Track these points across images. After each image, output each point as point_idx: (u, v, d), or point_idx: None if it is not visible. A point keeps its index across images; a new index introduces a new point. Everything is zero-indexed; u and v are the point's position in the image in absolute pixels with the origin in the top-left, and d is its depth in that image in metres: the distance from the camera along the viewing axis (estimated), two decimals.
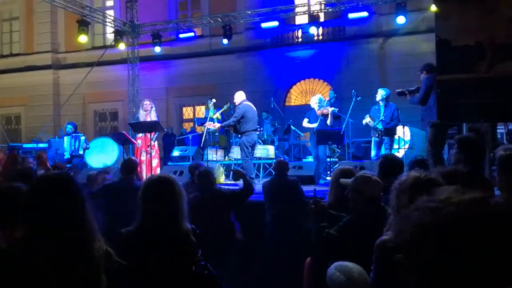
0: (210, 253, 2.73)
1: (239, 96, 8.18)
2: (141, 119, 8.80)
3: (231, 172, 5.12)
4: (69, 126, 10.56)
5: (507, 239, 0.97)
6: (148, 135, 8.49)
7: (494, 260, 0.96)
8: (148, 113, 8.84)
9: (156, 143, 9.06)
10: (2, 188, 2.46)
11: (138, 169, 6.25)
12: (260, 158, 10.25)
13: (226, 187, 6.45)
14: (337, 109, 9.22)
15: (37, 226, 1.90)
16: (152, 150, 8.71)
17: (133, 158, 5.80)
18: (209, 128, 9.30)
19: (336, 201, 3.72)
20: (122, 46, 12.77)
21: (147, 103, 8.95)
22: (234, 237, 5.09)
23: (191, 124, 15.79)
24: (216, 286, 2.48)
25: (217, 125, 8.78)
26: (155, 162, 9.00)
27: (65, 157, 10.00)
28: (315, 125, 9.00)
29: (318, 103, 9.19)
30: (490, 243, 0.97)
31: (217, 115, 10.89)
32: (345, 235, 3.06)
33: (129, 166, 5.03)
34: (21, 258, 1.89)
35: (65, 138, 10.35)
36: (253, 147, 8.17)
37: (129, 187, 4.61)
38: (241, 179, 5.05)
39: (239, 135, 8.19)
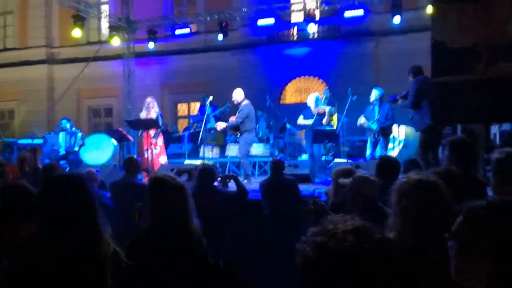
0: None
1: (239, 94, 8.22)
2: (142, 116, 8.85)
3: (221, 178, 5.13)
4: (64, 122, 10.51)
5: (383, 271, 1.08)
6: (150, 132, 8.53)
7: None
8: (149, 111, 8.89)
9: (160, 139, 9.07)
10: (14, 184, 2.50)
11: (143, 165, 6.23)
12: (255, 156, 10.29)
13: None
14: (334, 108, 9.26)
15: (46, 225, 1.94)
16: (155, 147, 8.75)
17: (135, 156, 5.80)
18: (206, 126, 9.34)
19: (342, 201, 3.77)
20: (116, 41, 12.71)
21: (148, 100, 8.99)
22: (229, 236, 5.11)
23: (186, 121, 15.80)
24: (229, 275, 2.53)
25: (223, 125, 8.69)
26: (163, 158, 9.03)
27: (60, 153, 9.97)
28: (310, 121, 9.05)
29: (315, 101, 9.23)
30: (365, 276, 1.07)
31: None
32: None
33: (130, 164, 5.03)
34: (29, 256, 1.93)
35: (61, 134, 10.30)
36: (251, 145, 8.26)
37: (131, 185, 4.63)
38: (234, 183, 5.09)
39: (238, 133, 8.21)
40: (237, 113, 8.13)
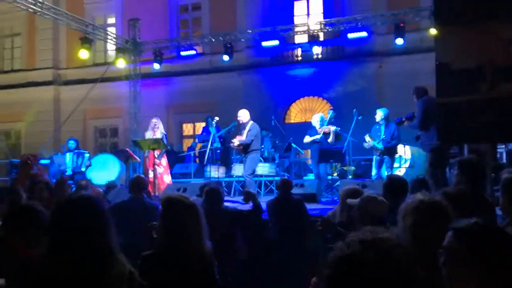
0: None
1: (246, 115, 8.34)
2: (147, 136, 8.94)
3: (243, 193, 5.22)
4: (71, 142, 10.60)
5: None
6: (153, 153, 8.60)
7: None
8: (154, 131, 8.99)
9: (164, 160, 9.16)
10: (25, 206, 2.53)
11: (149, 187, 6.27)
12: (261, 176, 10.32)
13: (231, 204, 6.52)
14: (339, 128, 9.32)
15: (58, 247, 1.95)
16: (159, 167, 8.82)
17: (142, 175, 5.84)
18: (212, 145, 9.41)
19: (348, 221, 3.80)
20: (121, 63, 12.86)
21: (154, 121, 9.10)
22: (236, 256, 5.12)
23: (191, 140, 15.88)
24: None
25: (237, 142, 8.68)
26: (167, 178, 9.10)
27: (67, 173, 10.02)
28: (317, 136, 9.08)
29: (320, 121, 9.30)
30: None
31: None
32: None
33: (138, 184, 5.05)
34: (41, 278, 1.94)
35: (67, 154, 10.38)
36: (256, 164, 8.32)
37: (138, 205, 4.66)
38: (251, 201, 5.13)
39: (244, 154, 8.26)
40: (246, 132, 8.19)
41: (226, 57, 12.31)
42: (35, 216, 2.43)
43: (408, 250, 1.18)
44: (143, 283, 2.09)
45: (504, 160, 7.89)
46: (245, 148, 8.17)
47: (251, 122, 8.29)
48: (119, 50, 13.06)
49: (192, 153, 11.86)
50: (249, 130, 8.16)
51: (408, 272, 1.13)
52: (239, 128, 8.50)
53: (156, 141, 8.60)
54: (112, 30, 15.42)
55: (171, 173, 10.70)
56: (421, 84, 7.13)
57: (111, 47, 15.75)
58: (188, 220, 2.36)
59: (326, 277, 1.16)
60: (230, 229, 4.92)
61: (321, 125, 9.29)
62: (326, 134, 9.14)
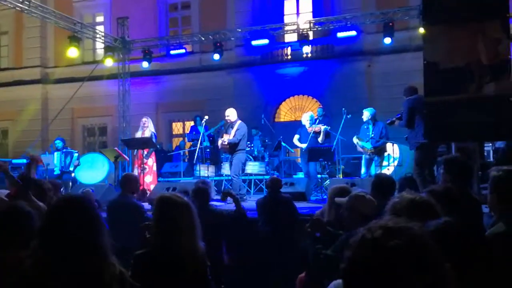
0: None
1: (234, 114, 8.31)
2: (137, 136, 8.91)
3: (222, 193, 5.21)
4: (58, 141, 10.53)
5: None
6: (141, 152, 8.56)
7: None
8: (144, 130, 8.95)
9: (151, 159, 9.12)
10: (11, 207, 2.47)
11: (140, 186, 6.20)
12: (251, 174, 10.32)
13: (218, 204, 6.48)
14: (329, 127, 9.35)
15: (51, 250, 1.93)
16: (144, 167, 8.77)
17: (132, 173, 5.79)
18: (202, 144, 9.37)
19: (335, 220, 3.81)
20: (109, 62, 12.77)
21: (144, 120, 9.07)
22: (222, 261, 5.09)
23: (181, 139, 15.82)
24: None
25: (226, 140, 8.62)
26: (148, 178, 9.05)
27: (55, 173, 9.94)
28: (304, 145, 9.13)
29: (310, 120, 9.32)
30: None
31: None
32: (342, 254, 3.12)
33: (129, 182, 5.01)
34: (32, 278, 1.92)
35: (55, 153, 10.30)
36: (244, 164, 8.29)
37: (129, 204, 4.63)
38: (232, 200, 5.11)
39: (230, 153, 8.21)
40: (234, 131, 8.14)
41: (216, 56, 12.25)
42: (20, 218, 2.39)
43: (431, 240, 1.17)
44: (134, 284, 2.07)
45: (491, 159, 7.97)
46: (233, 147, 8.13)
47: (239, 121, 8.26)
48: (108, 48, 12.95)
49: (181, 152, 11.82)
50: (237, 129, 8.12)
51: (434, 260, 1.13)
52: (226, 127, 8.45)
53: (145, 141, 8.55)
54: (100, 28, 15.31)
55: (160, 172, 10.66)
56: (410, 83, 7.17)
57: (99, 45, 15.61)
58: (181, 219, 2.34)
59: (348, 259, 1.18)
60: (216, 229, 4.89)
61: (311, 124, 9.31)
62: (316, 133, 9.17)
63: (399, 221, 1.21)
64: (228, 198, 5.31)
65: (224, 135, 8.38)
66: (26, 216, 2.39)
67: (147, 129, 9.05)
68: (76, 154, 10.23)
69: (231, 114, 8.31)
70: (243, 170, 10.25)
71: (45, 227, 2.00)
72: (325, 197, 8.08)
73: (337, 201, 3.79)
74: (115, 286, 1.97)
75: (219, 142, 8.48)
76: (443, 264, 1.15)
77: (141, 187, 8.44)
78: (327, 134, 9.28)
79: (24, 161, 11.45)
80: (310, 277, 3.92)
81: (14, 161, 11.76)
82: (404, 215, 2.24)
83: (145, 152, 8.85)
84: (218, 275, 4.45)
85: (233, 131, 8.12)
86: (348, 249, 1.20)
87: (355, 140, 8.46)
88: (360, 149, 8.50)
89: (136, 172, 8.57)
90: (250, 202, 8.00)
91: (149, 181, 9.05)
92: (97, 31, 13.32)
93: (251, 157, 10.85)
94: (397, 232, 1.15)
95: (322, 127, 9.14)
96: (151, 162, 9.19)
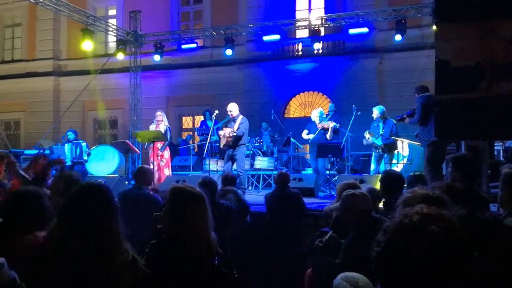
0: None
1: (236, 108, 8.31)
2: (151, 129, 9.01)
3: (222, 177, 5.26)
4: (71, 133, 10.67)
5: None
6: (156, 145, 8.64)
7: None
8: (158, 124, 9.03)
9: (166, 152, 9.20)
10: (25, 191, 2.54)
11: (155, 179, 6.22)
12: (259, 169, 10.36)
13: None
14: (339, 124, 9.34)
15: (66, 235, 2.00)
16: (161, 160, 8.88)
17: (146, 166, 5.83)
18: (212, 138, 9.40)
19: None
20: (121, 55, 12.88)
21: (158, 114, 9.14)
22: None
23: (190, 133, 15.91)
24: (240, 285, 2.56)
25: (228, 130, 8.60)
26: (167, 171, 9.16)
27: (67, 164, 10.07)
28: (312, 135, 9.15)
29: (319, 116, 9.33)
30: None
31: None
32: (349, 259, 3.10)
33: (142, 175, 5.07)
34: (46, 259, 1.99)
35: (66, 145, 10.46)
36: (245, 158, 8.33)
37: (143, 195, 4.69)
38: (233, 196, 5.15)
39: (233, 148, 8.14)
40: (237, 125, 8.11)
41: (229, 52, 12.27)
42: (31, 201, 2.46)
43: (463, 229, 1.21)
44: (146, 271, 2.12)
45: (501, 158, 7.93)
46: (236, 141, 8.09)
47: (241, 116, 8.26)
48: (120, 41, 13.05)
49: (191, 146, 11.88)
50: (241, 123, 8.11)
51: (466, 246, 1.16)
52: (228, 121, 8.41)
53: (155, 133, 8.63)
54: (113, 21, 15.40)
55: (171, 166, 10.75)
56: (421, 81, 7.17)
57: (111, 38, 15.75)
58: (195, 209, 2.36)
59: (384, 243, 1.20)
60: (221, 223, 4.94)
61: (321, 120, 9.32)
62: (325, 130, 9.18)
63: (433, 209, 1.24)
64: (230, 195, 5.34)
65: (224, 128, 8.32)
66: (42, 199, 2.46)
67: (161, 123, 9.10)
68: (84, 144, 10.39)
69: (233, 108, 8.31)
70: (252, 165, 10.31)
71: (65, 210, 2.07)
72: (333, 193, 8.11)
73: (326, 210, 3.78)
74: (125, 271, 2.02)
75: (221, 134, 8.37)
76: (472, 251, 1.18)
77: (161, 180, 8.56)
78: (335, 131, 9.28)
79: (37, 152, 11.61)
80: (316, 272, 3.96)
81: (26, 151, 11.90)
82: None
83: (160, 145, 8.93)
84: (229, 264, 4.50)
85: (236, 125, 8.12)
86: (383, 234, 1.22)
87: (366, 135, 8.46)
88: (367, 142, 8.46)
89: (152, 165, 8.62)
90: (258, 196, 8.06)
91: (168, 174, 9.16)
92: (109, 24, 13.42)
93: (260, 152, 10.89)
94: (435, 218, 1.18)
95: (331, 124, 9.14)
96: (167, 155, 9.27)
